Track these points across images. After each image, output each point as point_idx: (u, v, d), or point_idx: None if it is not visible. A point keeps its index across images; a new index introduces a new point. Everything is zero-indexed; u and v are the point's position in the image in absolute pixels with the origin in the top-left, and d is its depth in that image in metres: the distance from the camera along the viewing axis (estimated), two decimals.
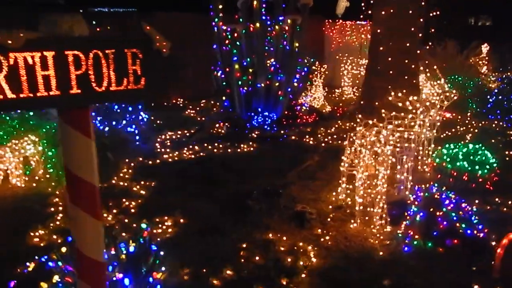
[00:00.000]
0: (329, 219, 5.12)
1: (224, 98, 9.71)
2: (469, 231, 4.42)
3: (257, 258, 4.21)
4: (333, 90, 15.24)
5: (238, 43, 9.29)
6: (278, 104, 9.81)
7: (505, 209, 5.52)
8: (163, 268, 3.43)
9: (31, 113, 7.92)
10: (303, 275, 3.94)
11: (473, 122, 10.33)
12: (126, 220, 5.12)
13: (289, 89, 9.72)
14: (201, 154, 7.94)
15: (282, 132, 9.37)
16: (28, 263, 3.93)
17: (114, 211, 5.29)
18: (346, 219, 5.15)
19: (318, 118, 10.34)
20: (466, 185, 5.96)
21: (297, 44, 9.54)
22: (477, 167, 5.93)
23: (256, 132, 9.31)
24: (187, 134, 9.14)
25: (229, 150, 8.18)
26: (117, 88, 2.24)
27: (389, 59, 9.01)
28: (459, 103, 11.47)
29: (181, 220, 5.12)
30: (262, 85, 9.58)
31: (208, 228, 4.87)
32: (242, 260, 4.20)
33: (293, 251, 4.38)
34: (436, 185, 5.11)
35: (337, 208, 5.43)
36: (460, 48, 13.26)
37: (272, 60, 9.78)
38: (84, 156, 2.28)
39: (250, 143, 8.60)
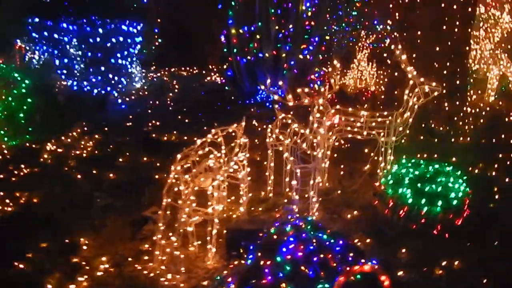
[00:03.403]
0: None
1: (225, 66, 8.69)
2: None
3: (21, 266, 3.51)
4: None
5: (233, 3, 7.98)
6: (284, 78, 8.43)
7: (439, 271, 3.67)
8: None
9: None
10: None
11: None
12: None
13: (292, 62, 8.19)
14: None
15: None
16: None
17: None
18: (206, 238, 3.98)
19: (336, 100, 8.62)
20: (405, 224, 4.18)
21: (303, 8, 7.87)
22: (423, 200, 4.08)
23: (252, 110, 8.18)
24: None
25: (195, 127, 7.32)
26: None
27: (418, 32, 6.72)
28: None
29: (34, 200, 4.68)
30: (267, 55, 8.27)
31: (46, 216, 4.30)
32: (17, 264, 3.55)
33: (76, 267, 3.56)
34: (308, 217, 3.61)
35: None
36: None
37: (291, 26, 8.32)
38: None
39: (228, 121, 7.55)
